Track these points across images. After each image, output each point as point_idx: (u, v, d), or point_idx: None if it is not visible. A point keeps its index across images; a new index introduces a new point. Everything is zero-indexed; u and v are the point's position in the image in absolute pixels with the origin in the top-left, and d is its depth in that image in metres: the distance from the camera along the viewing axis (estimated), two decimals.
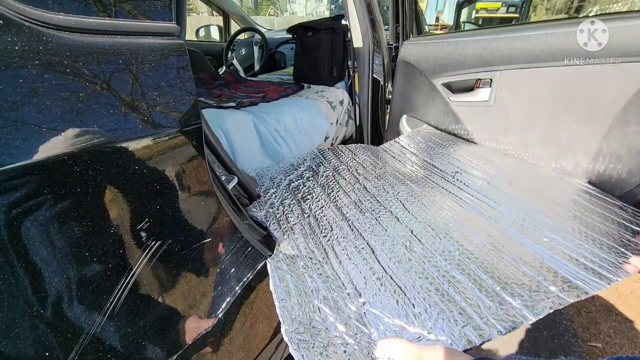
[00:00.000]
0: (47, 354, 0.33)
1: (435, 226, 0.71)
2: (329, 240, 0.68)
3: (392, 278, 0.57)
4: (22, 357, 0.31)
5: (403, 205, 0.80)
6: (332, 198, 0.83)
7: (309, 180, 0.92)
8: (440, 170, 0.97)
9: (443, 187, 0.88)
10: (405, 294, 0.54)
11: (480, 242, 0.65)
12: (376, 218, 0.74)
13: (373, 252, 0.64)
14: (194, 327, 0.48)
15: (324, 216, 0.75)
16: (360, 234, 0.69)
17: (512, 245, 0.64)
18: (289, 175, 0.95)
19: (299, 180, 0.92)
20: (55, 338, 0.34)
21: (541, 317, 0.48)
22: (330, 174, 0.96)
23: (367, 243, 0.66)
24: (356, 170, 0.99)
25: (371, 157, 1.09)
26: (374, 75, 1.37)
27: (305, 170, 0.98)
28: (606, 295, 1.34)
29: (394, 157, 1.10)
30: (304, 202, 0.81)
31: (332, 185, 0.89)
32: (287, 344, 0.45)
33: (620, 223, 0.69)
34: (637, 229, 0.66)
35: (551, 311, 0.49)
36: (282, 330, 0.47)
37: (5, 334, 0.30)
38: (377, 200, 0.82)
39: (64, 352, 0.34)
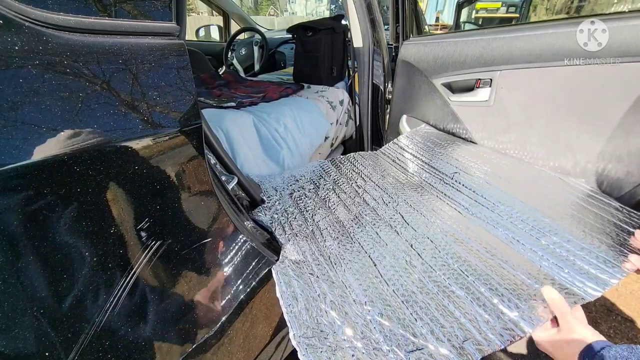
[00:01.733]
0: (47, 353, 0.33)
1: (434, 238, 0.72)
2: (332, 250, 0.69)
3: (394, 292, 0.58)
4: (23, 356, 0.31)
5: (402, 217, 0.80)
6: (334, 212, 0.84)
7: (311, 192, 0.93)
8: (439, 172, 0.97)
9: (442, 192, 0.88)
10: (407, 308, 0.55)
11: (478, 251, 0.66)
12: (377, 232, 0.75)
13: (375, 265, 0.65)
14: (194, 327, 0.48)
15: (326, 229, 0.76)
16: (362, 247, 0.70)
17: (510, 253, 0.65)
18: (291, 185, 0.96)
19: (300, 191, 0.93)
20: (56, 338, 0.33)
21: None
22: (331, 187, 0.96)
23: (369, 257, 0.67)
24: (356, 182, 0.99)
25: (370, 167, 1.09)
26: (374, 76, 1.37)
27: (306, 183, 0.98)
28: (606, 295, 1.34)
29: (393, 162, 1.10)
30: (307, 212, 0.82)
31: (332, 200, 0.90)
32: (287, 345, 0.46)
33: (616, 224, 0.69)
34: (633, 230, 0.66)
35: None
36: (290, 335, 0.47)
37: (5, 334, 0.30)
38: (377, 213, 0.83)
39: (65, 351, 0.34)
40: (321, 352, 0.46)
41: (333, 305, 0.54)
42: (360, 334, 0.49)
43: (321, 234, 0.73)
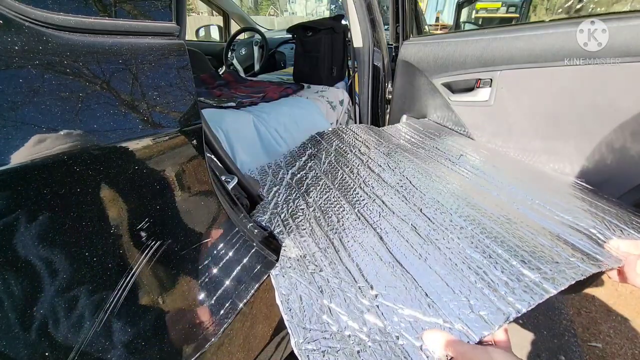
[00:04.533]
0: (47, 354, 0.33)
1: (445, 201, 0.68)
2: (336, 232, 0.66)
3: (402, 266, 0.56)
4: (23, 357, 0.31)
5: (410, 182, 0.77)
6: (337, 185, 0.80)
7: (312, 170, 0.89)
8: (445, 152, 0.94)
9: (449, 167, 0.85)
10: (417, 282, 0.52)
11: (493, 215, 0.63)
12: (382, 200, 0.72)
13: (382, 239, 0.62)
14: (194, 327, 0.48)
15: (330, 207, 0.73)
16: (367, 221, 0.67)
17: (525, 220, 0.62)
18: (290, 168, 0.93)
19: (301, 172, 0.90)
20: (56, 338, 0.33)
21: (562, 289, 0.45)
22: (333, 158, 0.93)
23: (375, 230, 0.64)
24: (359, 150, 0.96)
25: (374, 137, 1.06)
26: (374, 75, 1.37)
27: (307, 160, 0.96)
28: (606, 295, 1.34)
29: (397, 143, 1.07)
30: (308, 195, 0.79)
31: (335, 171, 0.86)
32: (287, 344, 0.45)
33: (627, 212, 0.68)
34: None
35: (573, 282, 0.46)
36: (292, 342, 0.46)
37: (5, 334, 0.30)
38: (383, 179, 0.79)
39: (64, 351, 0.34)
40: (324, 356, 0.44)
41: (337, 300, 0.52)
42: (366, 324, 0.47)
43: (324, 217, 0.71)
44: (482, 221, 0.62)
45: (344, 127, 1.14)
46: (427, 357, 0.42)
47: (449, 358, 0.41)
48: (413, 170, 0.82)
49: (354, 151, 0.96)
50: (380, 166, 0.86)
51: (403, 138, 1.08)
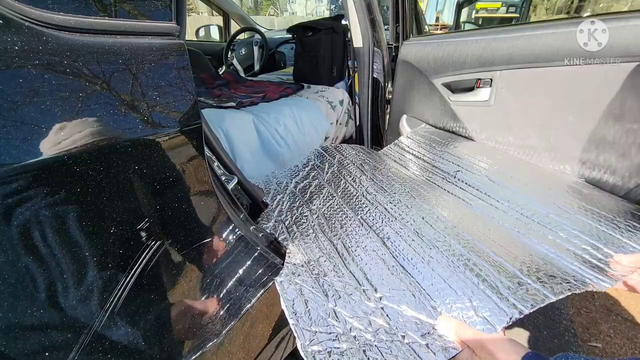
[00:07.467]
0: (47, 354, 0.33)
1: (442, 216, 0.70)
2: (339, 238, 0.67)
3: (405, 269, 0.56)
4: (23, 357, 0.31)
5: (411, 195, 0.78)
6: (340, 193, 0.82)
7: (315, 179, 0.91)
8: (442, 170, 0.96)
9: (445, 189, 0.88)
10: (420, 285, 0.53)
11: (490, 233, 0.65)
12: (385, 207, 0.73)
13: (384, 243, 0.63)
14: (194, 328, 0.48)
15: (333, 214, 0.74)
16: (370, 227, 0.68)
17: (520, 244, 0.63)
18: (294, 177, 0.95)
19: (305, 181, 0.91)
20: (56, 338, 0.34)
21: (561, 297, 0.46)
22: (336, 169, 0.95)
23: (378, 235, 0.65)
24: (361, 163, 0.97)
25: (375, 155, 1.09)
26: (374, 75, 1.37)
27: (310, 170, 0.97)
28: (606, 295, 1.34)
29: (395, 162, 1.10)
30: (312, 203, 0.80)
31: (337, 181, 0.88)
32: (287, 344, 0.45)
33: (624, 216, 0.68)
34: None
35: (569, 293, 0.47)
36: (298, 345, 0.46)
37: (5, 334, 0.30)
38: (385, 189, 0.81)
39: (65, 352, 0.34)
40: (330, 356, 0.45)
41: (342, 303, 0.52)
42: (371, 325, 0.48)
43: (327, 223, 0.72)
44: (482, 236, 0.63)
45: (345, 145, 1.16)
46: (435, 353, 0.42)
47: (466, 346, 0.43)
48: (413, 187, 0.84)
49: (356, 164, 0.98)
50: (382, 178, 0.87)
51: (401, 161, 1.10)
